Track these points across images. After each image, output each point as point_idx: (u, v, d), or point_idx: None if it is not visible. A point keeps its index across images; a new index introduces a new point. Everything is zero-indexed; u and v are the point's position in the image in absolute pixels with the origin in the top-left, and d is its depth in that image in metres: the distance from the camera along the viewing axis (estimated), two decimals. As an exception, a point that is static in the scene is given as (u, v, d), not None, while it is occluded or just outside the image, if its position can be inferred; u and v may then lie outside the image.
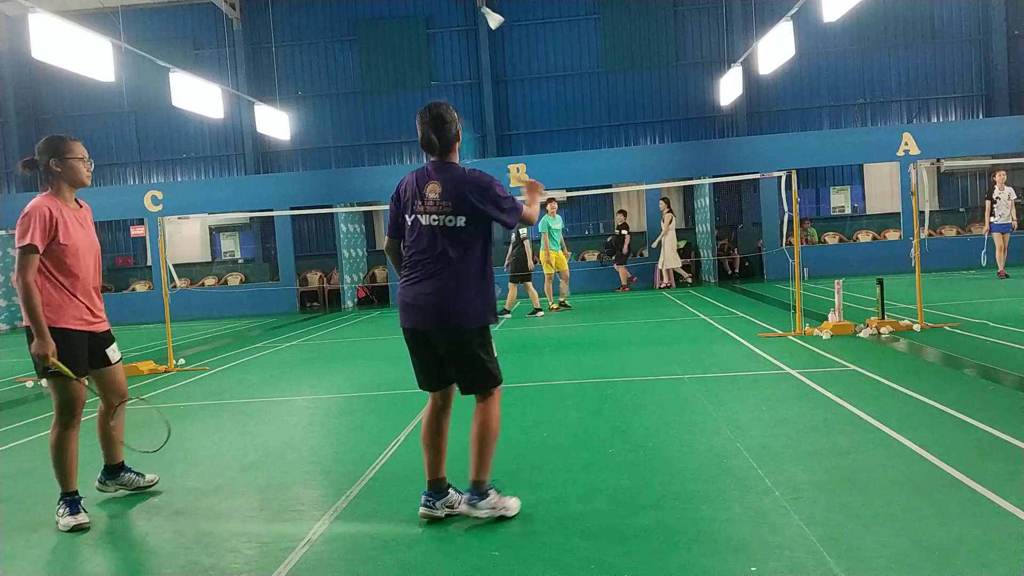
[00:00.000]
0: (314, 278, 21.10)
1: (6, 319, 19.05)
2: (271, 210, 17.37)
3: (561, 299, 14.21)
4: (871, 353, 7.43)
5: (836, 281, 9.10)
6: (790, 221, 9.87)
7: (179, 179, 22.62)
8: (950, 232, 19.17)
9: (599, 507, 3.67)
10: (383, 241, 4.04)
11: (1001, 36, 20.68)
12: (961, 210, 20.60)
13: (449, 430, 3.76)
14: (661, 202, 17.64)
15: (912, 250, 9.09)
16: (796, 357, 7.44)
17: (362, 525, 3.67)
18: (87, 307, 4.04)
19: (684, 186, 20.51)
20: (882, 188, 20.86)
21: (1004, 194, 13.82)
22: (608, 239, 18.87)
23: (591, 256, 20.29)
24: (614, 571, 2.97)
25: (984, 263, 12.25)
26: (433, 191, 3.55)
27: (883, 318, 8.68)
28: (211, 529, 3.78)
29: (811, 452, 4.34)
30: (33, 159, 4.00)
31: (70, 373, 3.88)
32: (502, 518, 3.56)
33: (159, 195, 18.99)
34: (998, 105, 20.57)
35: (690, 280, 18.36)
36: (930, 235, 16.48)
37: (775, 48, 14.78)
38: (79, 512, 3.91)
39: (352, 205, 19.19)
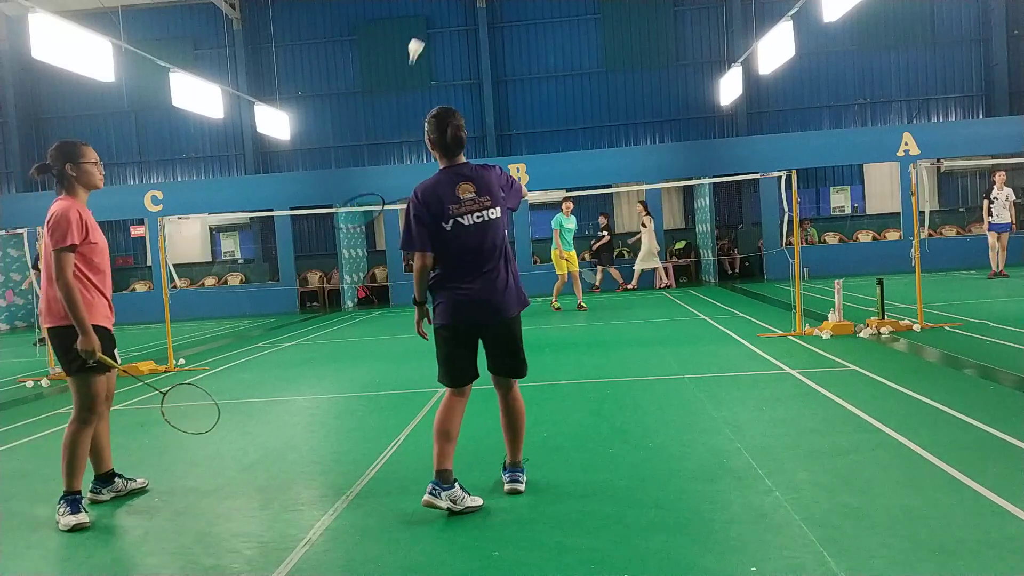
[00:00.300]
0: (314, 278, 21.10)
1: (6, 319, 19.05)
2: (271, 210, 17.37)
3: (579, 300, 14.04)
4: (871, 353, 7.42)
5: (836, 281, 9.10)
6: (790, 221, 9.88)
7: (179, 179, 22.62)
8: (950, 232, 19.17)
9: (599, 507, 3.67)
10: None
11: (1001, 36, 20.68)
12: (961, 210, 20.60)
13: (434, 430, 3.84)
14: (639, 204, 17.58)
15: (912, 250, 9.09)
16: (796, 357, 7.44)
17: (362, 525, 3.67)
18: (109, 305, 4.20)
19: (684, 186, 20.52)
20: (882, 188, 20.87)
21: (1002, 195, 13.84)
22: (592, 243, 18.85)
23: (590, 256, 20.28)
24: (614, 571, 2.97)
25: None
26: (467, 191, 3.72)
27: (883, 318, 8.68)
28: (211, 529, 3.78)
29: (811, 452, 4.34)
30: (45, 164, 4.10)
31: (116, 364, 4.12)
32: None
33: (159, 195, 19.00)
34: (998, 105, 20.58)
35: (665, 281, 18.08)
36: (930, 235, 16.49)
37: (775, 48, 14.78)
38: (79, 512, 3.92)
39: (352, 205, 19.18)
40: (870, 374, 6.37)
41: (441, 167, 3.82)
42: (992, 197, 13.92)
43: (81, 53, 11.26)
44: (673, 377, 6.85)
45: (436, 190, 3.73)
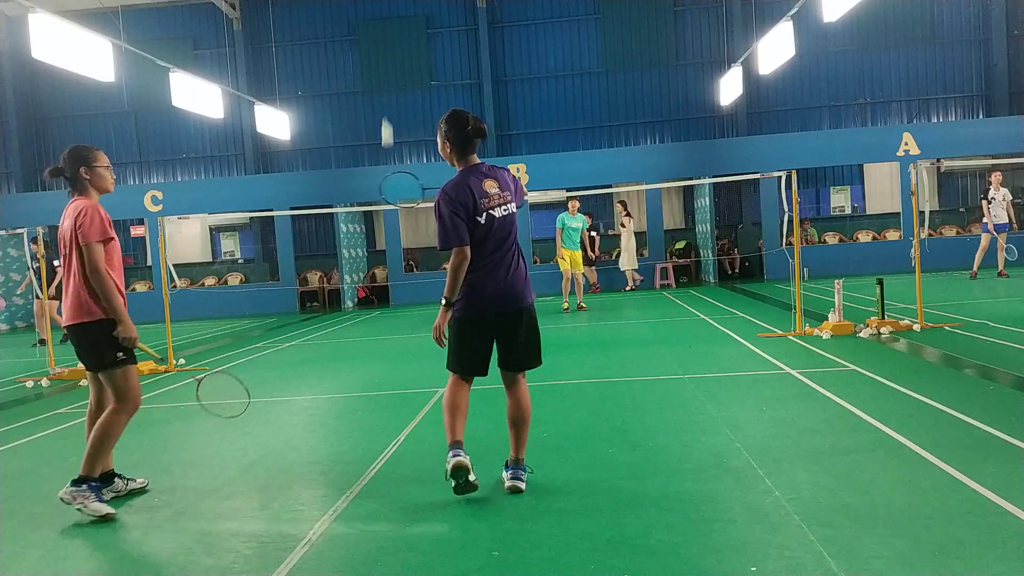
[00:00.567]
0: (314, 278, 21.10)
1: (6, 319, 19.04)
2: (271, 210, 17.37)
3: (579, 300, 14.04)
4: (871, 353, 7.43)
5: (836, 281, 9.10)
6: (790, 221, 9.88)
7: (179, 179, 22.62)
8: (950, 232, 19.16)
9: (599, 507, 3.67)
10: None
11: (1001, 36, 20.69)
12: (961, 210, 20.60)
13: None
14: (618, 204, 17.53)
15: (912, 250, 9.09)
16: (796, 357, 7.44)
17: (362, 525, 3.67)
18: (124, 301, 4.30)
19: (684, 186, 20.52)
20: (882, 188, 20.87)
21: (999, 195, 13.88)
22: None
23: (599, 256, 20.24)
24: (614, 571, 2.97)
25: (1014, 257, 12.81)
26: (492, 186, 3.95)
27: (883, 318, 8.68)
28: (211, 529, 3.78)
29: (811, 452, 4.34)
30: (58, 167, 4.23)
31: (154, 353, 4.39)
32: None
33: (159, 195, 18.99)
34: (998, 105, 20.58)
35: (639, 282, 18.02)
36: (930, 235, 16.48)
37: (775, 48, 14.78)
38: (104, 502, 4.01)
39: (352, 205, 19.18)
40: (870, 374, 6.37)
41: (460, 168, 4.00)
42: (990, 197, 13.95)
43: (81, 53, 11.26)
44: (673, 377, 6.85)
45: (466, 187, 3.90)
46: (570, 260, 13.42)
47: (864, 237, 19.56)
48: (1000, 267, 14.15)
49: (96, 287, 4.02)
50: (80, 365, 9.17)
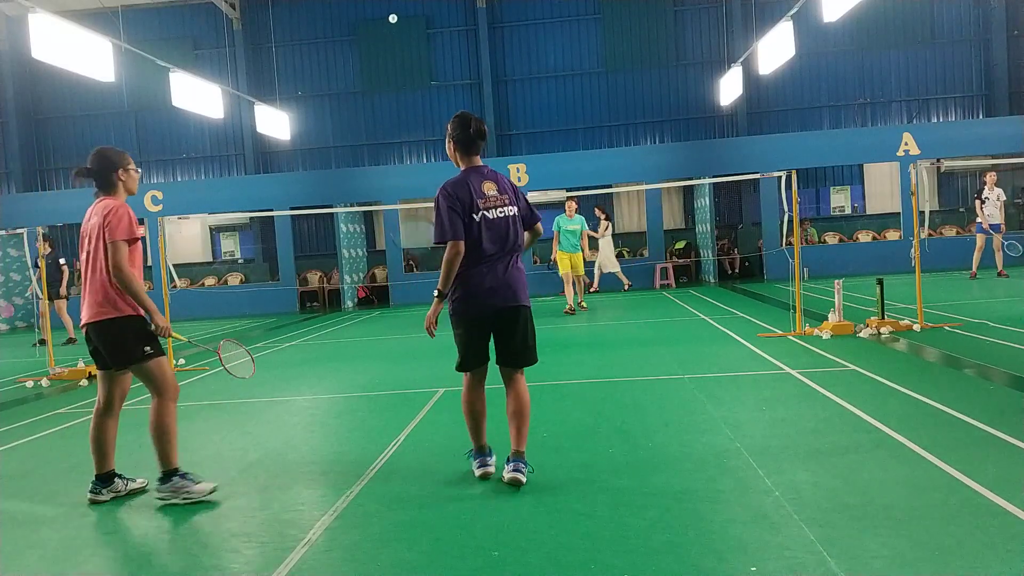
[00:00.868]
0: (314, 278, 21.10)
1: (6, 320, 19.04)
2: (271, 210, 17.37)
3: (579, 300, 14.01)
4: (871, 353, 7.43)
5: (836, 281, 9.10)
6: (790, 221, 9.88)
7: (179, 179, 22.63)
8: (950, 232, 19.17)
9: (599, 507, 3.67)
10: (435, 244, 4.30)
11: (1001, 36, 20.69)
12: (961, 210, 20.59)
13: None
14: (596, 208, 17.44)
15: (912, 250, 9.09)
16: (796, 357, 7.44)
17: (362, 525, 3.67)
18: None
19: (684, 186, 20.52)
20: (882, 188, 20.87)
21: (993, 195, 13.88)
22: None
23: (591, 256, 20.22)
24: (614, 571, 2.97)
25: (1017, 253, 12.83)
26: (491, 188, 4.09)
27: (883, 318, 8.68)
28: (211, 529, 3.78)
29: (811, 452, 4.34)
30: (88, 168, 4.31)
31: (189, 340, 4.65)
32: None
33: (159, 195, 18.97)
34: (998, 105, 20.58)
35: (628, 285, 17.99)
36: (930, 235, 16.49)
37: (775, 48, 14.78)
38: (201, 480, 4.25)
39: (352, 205, 19.19)
40: (870, 374, 6.37)
41: (463, 168, 4.15)
42: (984, 197, 13.97)
43: (81, 53, 11.26)
44: (673, 377, 6.85)
45: (465, 186, 4.05)
46: (570, 262, 13.38)
47: (864, 237, 19.56)
48: (999, 267, 14.15)
49: (120, 284, 4.11)
50: (83, 365, 9.13)
